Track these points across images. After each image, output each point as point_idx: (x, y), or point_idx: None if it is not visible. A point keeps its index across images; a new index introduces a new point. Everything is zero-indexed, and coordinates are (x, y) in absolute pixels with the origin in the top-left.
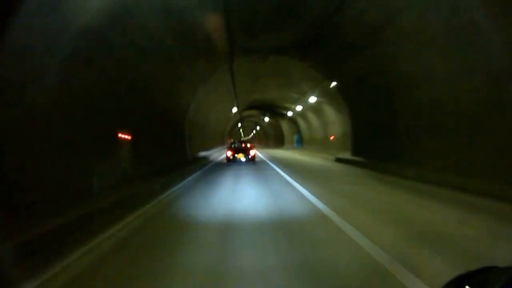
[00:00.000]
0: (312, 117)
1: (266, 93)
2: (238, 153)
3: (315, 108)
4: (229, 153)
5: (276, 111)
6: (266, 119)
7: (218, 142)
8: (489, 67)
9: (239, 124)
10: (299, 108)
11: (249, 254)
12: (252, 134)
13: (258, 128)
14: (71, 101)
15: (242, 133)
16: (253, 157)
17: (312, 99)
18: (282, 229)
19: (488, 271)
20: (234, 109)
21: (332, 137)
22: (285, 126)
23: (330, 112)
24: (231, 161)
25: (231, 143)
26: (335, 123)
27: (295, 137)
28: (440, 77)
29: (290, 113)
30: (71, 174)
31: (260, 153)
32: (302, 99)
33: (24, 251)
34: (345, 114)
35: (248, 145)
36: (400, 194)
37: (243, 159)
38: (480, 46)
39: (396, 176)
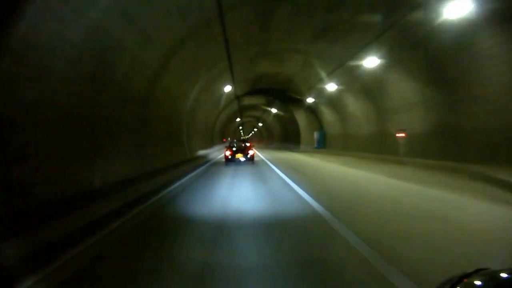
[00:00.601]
0: (350, 101)
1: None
2: (237, 153)
3: (364, 83)
4: (228, 153)
5: (290, 97)
6: (274, 110)
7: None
8: None
9: (238, 119)
10: (331, 86)
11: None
12: (252, 132)
13: (260, 124)
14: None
15: (241, 131)
16: (252, 157)
17: (367, 61)
18: None
19: (480, 274)
20: (228, 88)
21: (402, 135)
22: (302, 119)
23: (396, 87)
24: (230, 161)
25: (230, 143)
26: (405, 109)
27: (316, 135)
28: None
29: (310, 100)
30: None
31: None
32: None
33: None
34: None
35: (248, 144)
36: None
37: (242, 159)
38: None
39: None
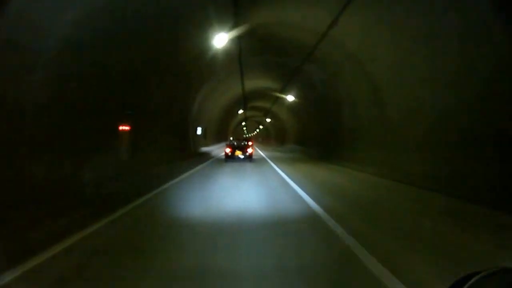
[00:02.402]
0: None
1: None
2: (236, 150)
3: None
4: (228, 150)
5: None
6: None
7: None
8: None
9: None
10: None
11: None
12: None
13: (261, 127)
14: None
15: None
16: (251, 155)
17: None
18: None
19: (497, 272)
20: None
21: None
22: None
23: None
24: (230, 158)
25: (230, 140)
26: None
27: None
28: None
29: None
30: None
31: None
32: None
33: None
34: None
35: (248, 142)
36: None
37: (241, 156)
38: None
39: None
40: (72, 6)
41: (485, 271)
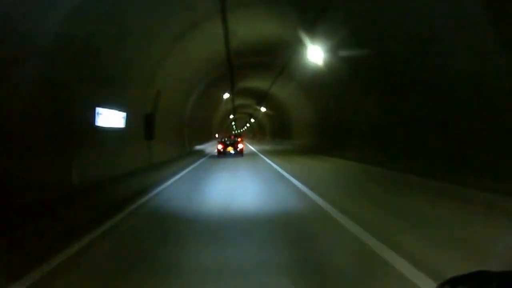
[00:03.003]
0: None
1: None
2: (228, 146)
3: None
4: (220, 147)
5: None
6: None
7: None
8: None
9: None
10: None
11: None
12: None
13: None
14: None
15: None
16: (241, 150)
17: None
18: None
19: (479, 276)
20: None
21: None
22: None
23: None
24: (222, 154)
25: (222, 138)
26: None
27: None
28: None
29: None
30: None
31: None
32: None
33: None
34: None
35: (238, 139)
36: None
37: (232, 151)
38: None
39: None
40: None
41: (467, 275)
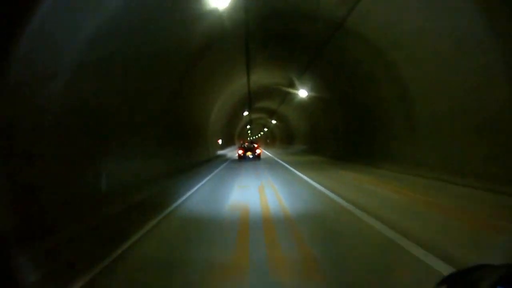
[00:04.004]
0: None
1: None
2: (247, 152)
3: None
4: (240, 152)
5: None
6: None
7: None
8: None
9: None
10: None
11: None
12: (260, 134)
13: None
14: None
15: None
16: (259, 155)
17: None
18: None
19: (480, 269)
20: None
21: None
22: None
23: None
24: (242, 158)
25: (242, 144)
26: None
27: None
28: None
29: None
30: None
31: None
32: None
33: None
34: None
35: (255, 145)
36: None
37: (250, 156)
38: None
39: None
40: None
41: (467, 268)
